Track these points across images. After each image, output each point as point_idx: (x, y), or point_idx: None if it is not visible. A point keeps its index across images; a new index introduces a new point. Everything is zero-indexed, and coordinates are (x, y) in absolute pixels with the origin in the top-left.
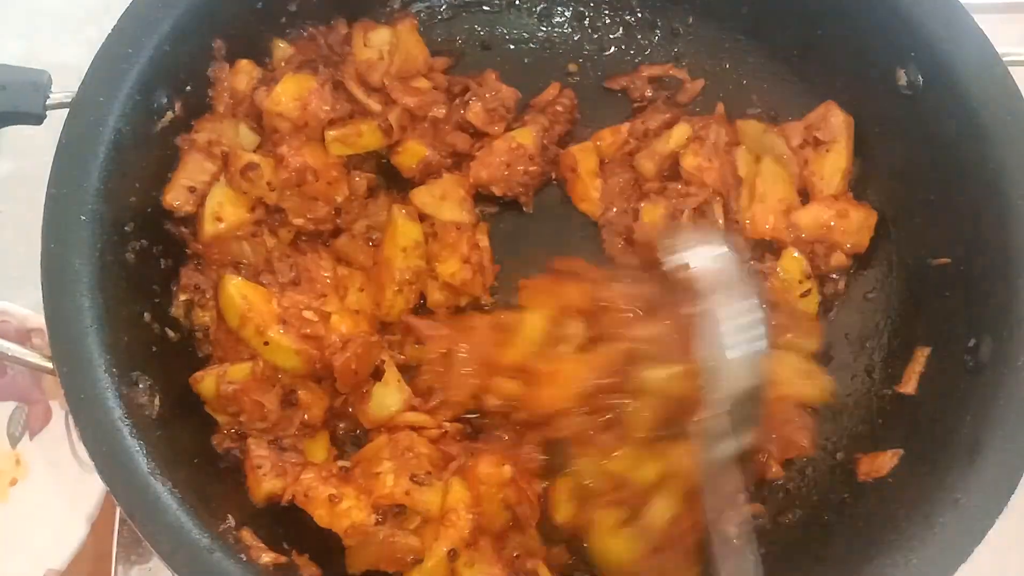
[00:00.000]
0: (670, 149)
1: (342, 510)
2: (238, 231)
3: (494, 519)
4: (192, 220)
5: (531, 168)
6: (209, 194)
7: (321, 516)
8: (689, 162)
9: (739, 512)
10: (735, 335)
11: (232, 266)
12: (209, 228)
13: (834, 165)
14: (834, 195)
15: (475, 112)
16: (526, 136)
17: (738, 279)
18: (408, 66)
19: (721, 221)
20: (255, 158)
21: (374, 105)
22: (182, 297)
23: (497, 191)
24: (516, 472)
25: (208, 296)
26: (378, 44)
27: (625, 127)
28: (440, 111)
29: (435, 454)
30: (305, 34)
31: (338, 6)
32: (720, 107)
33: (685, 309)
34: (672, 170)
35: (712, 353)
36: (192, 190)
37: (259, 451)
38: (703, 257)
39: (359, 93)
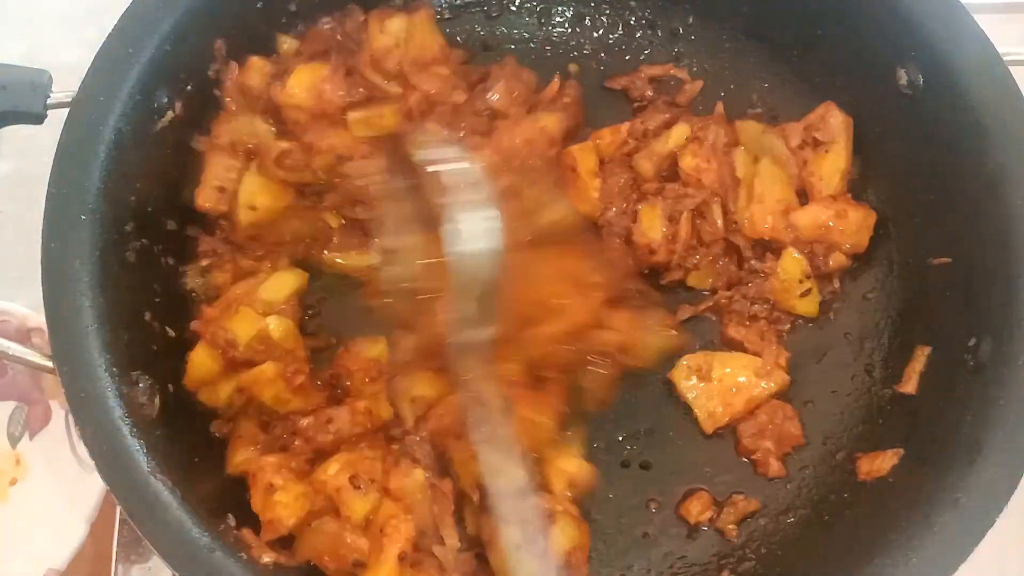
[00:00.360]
0: (668, 149)
1: (273, 501)
2: (274, 216)
3: (429, 521)
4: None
5: (549, 152)
6: (241, 185)
7: (255, 500)
8: (687, 163)
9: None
10: (474, 231)
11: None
12: (244, 217)
13: (833, 166)
14: (832, 195)
15: (499, 94)
16: (552, 120)
17: (480, 184)
18: (423, 54)
19: (720, 222)
20: (287, 145)
21: (393, 88)
22: (204, 262)
23: (506, 174)
24: (428, 473)
25: (225, 258)
26: (394, 32)
27: (625, 127)
28: (460, 96)
29: (387, 460)
30: (318, 25)
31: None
32: (719, 107)
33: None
34: (671, 170)
35: (453, 243)
36: (222, 190)
37: (245, 424)
38: (448, 160)
39: (376, 78)
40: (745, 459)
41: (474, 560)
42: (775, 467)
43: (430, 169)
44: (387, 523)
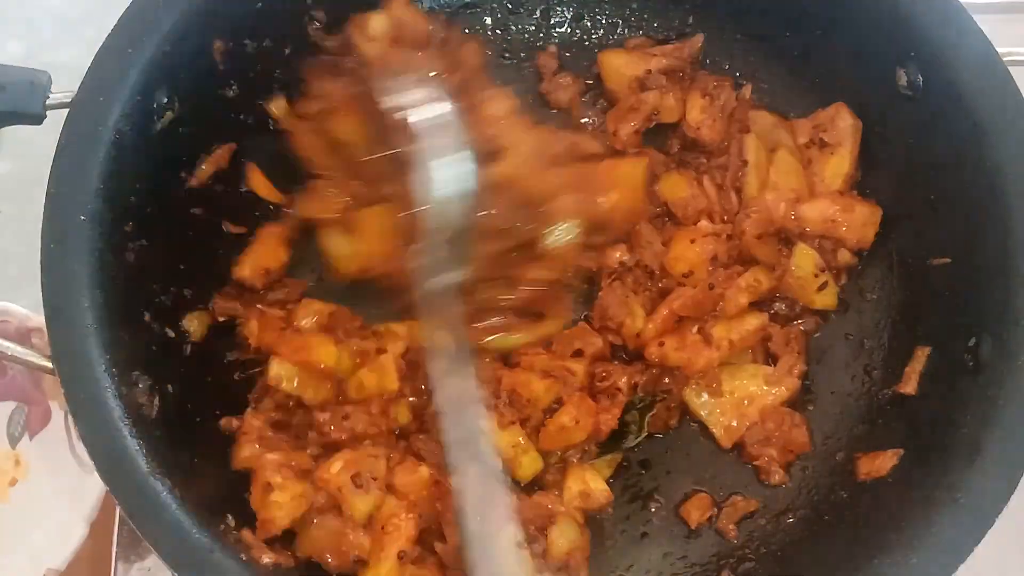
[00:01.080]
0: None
1: (269, 500)
2: None
3: (433, 518)
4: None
5: None
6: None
7: (254, 497)
8: (693, 116)
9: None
10: (446, 175)
11: None
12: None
13: (836, 169)
14: (840, 191)
15: (471, 54)
16: None
17: (451, 126)
18: (418, 41)
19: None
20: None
21: None
22: (220, 318)
23: None
24: (433, 470)
25: (251, 313)
26: (379, 31)
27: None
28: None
29: (393, 458)
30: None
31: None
32: (747, 90)
33: (401, 148)
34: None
35: (424, 190)
36: (268, 272)
37: (253, 421)
38: (418, 104)
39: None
40: (747, 464)
41: None
42: (778, 475)
43: (398, 115)
44: (388, 521)
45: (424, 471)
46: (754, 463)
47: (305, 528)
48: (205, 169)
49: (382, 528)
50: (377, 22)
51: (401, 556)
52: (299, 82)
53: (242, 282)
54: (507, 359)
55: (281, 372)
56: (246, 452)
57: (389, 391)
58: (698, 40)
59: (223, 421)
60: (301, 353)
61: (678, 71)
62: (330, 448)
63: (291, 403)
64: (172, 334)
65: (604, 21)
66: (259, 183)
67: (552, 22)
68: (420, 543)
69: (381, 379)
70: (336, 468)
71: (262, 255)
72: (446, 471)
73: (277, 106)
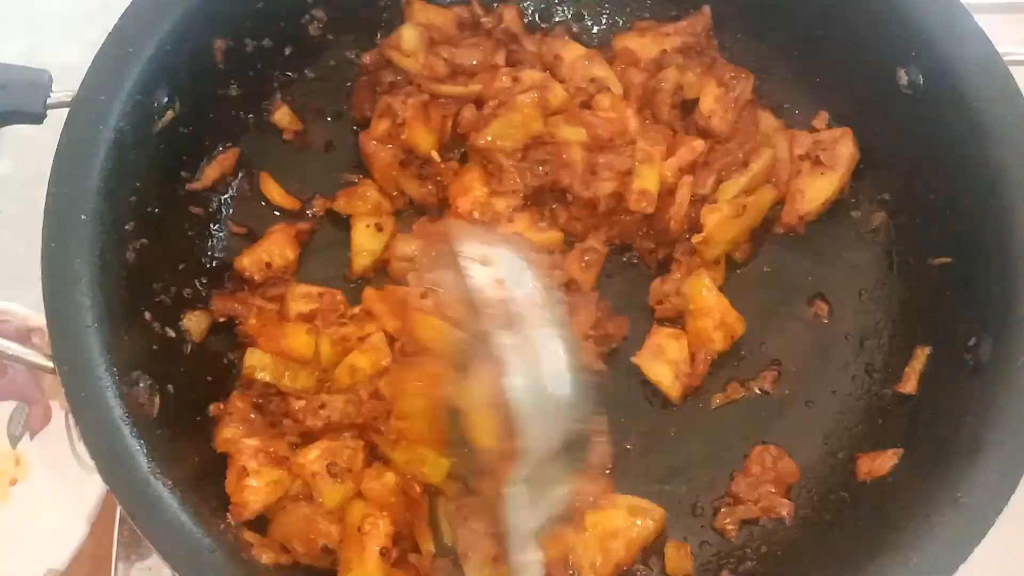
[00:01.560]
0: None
1: (243, 484)
2: None
3: (404, 524)
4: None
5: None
6: None
7: (229, 481)
8: (706, 104)
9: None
10: (549, 368)
11: None
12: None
13: (820, 190)
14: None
15: (511, 18)
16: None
17: (546, 301)
18: (448, 37)
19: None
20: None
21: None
22: (220, 319)
23: None
24: (399, 479)
25: (251, 310)
26: (413, 44)
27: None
28: (500, 57)
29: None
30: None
31: (339, 29)
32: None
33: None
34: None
35: (524, 393)
36: (269, 266)
37: (238, 403)
38: (508, 279)
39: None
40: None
41: (451, 565)
42: (785, 507)
43: (482, 295)
44: (365, 521)
45: (390, 477)
46: (757, 505)
47: (277, 514)
48: (209, 173)
49: (359, 529)
50: (409, 35)
51: (384, 552)
52: (298, 83)
53: (241, 273)
54: None
55: (255, 362)
56: (227, 434)
57: (384, 368)
58: (706, 12)
59: (212, 406)
60: (275, 342)
61: (694, 48)
62: (307, 437)
63: (272, 391)
64: (172, 333)
65: (604, 20)
66: (273, 190)
67: (554, 21)
68: (396, 546)
69: (375, 358)
70: (313, 455)
71: (267, 251)
72: (412, 481)
73: (281, 115)
